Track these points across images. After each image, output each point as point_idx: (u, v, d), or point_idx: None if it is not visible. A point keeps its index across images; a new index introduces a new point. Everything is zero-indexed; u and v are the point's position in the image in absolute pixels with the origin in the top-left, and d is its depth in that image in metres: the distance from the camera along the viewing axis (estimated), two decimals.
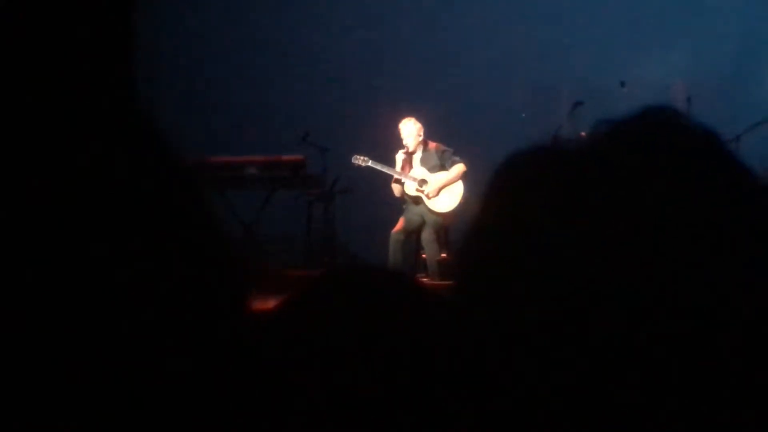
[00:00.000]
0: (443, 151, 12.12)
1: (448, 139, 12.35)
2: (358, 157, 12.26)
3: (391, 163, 12.19)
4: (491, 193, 1.09)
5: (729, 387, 0.98)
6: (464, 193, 11.97)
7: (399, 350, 1.53)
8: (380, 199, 12.49)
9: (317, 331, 1.58)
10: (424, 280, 10.38)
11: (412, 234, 12.02)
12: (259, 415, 1.14)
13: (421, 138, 12.06)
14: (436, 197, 11.98)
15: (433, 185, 11.95)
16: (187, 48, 14.40)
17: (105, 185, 0.94)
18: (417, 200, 12.06)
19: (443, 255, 11.82)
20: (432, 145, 12.15)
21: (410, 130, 12.00)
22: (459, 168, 12.01)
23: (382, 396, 1.49)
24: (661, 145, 1.03)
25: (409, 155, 12.08)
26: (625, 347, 0.97)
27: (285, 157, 12.54)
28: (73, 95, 0.98)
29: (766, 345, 0.98)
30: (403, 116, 12.14)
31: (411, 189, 12.03)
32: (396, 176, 12.08)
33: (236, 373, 1.02)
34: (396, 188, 12.15)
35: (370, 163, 12.20)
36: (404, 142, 12.05)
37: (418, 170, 12.07)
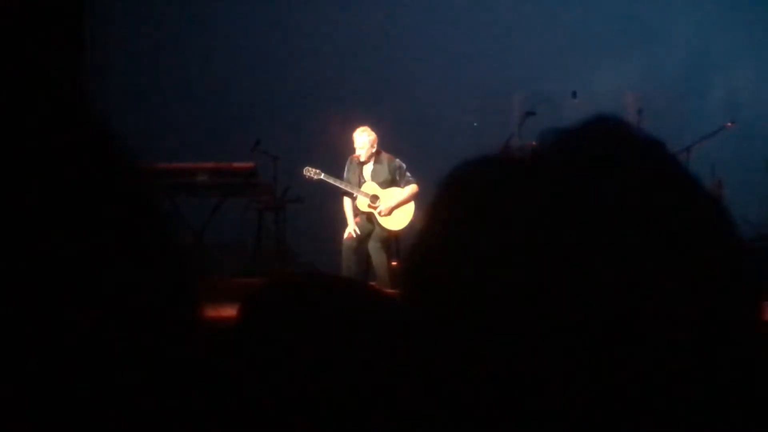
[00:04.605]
0: (398, 167, 12.07)
1: (399, 148, 12.34)
2: (310, 169, 12.14)
3: (343, 170, 12.16)
4: (440, 202, 1.09)
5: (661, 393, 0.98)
6: (415, 211, 11.95)
7: (355, 356, 1.53)
8: (331, 208, 12.46)
9: (273, 340, 1.58)
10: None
11: (365, 241, 11.99)
12: (216, 425, 1.14)
13: (374, 149, 12.01)
14: (388, 216, 11.96)
15: (386, 204, 11.91)
16: (139, 53, 14.33)
17: (54, 189, 0.94)
18: (369, 216, 12.03)
19: (394, 263, 11.82)
20: (385, 156, 12.10)
21: (364, 141, 11.91)
22: (412, 189, 11.97)
23: (338, 401, 1.50)
24: (608, 154, 1.03)
25: (361, 165, 12.04)
26: (570, 353, 0.97)
27: (236, 165, 12.51)
28: (23, 98, 0.97)
29: (715, 349, 0.99)
30: (355, 125, 12.09)
31: (363, 205, 12.00)
32: (348, 191, 12.04)
33: (189, 384, 1.01)
34: (346, 203, 12.10)
35: (322, 176, 12.09)
36: (357, 152, 11.99)
37: (370, 185, 12.02)
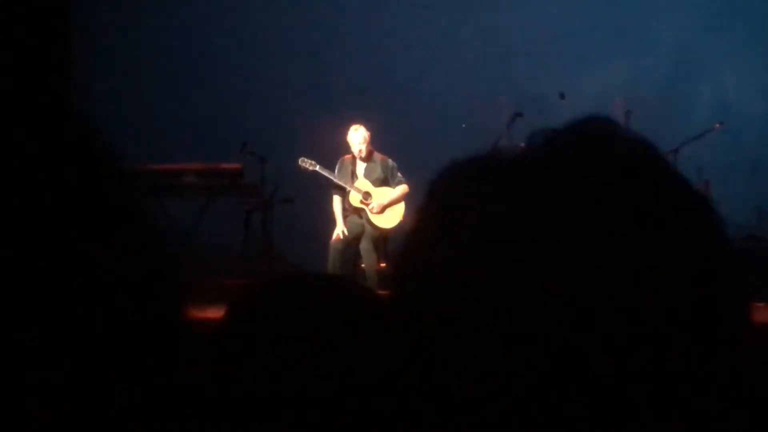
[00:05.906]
0: (391, 167, 12.12)
1: (388, 149, 12.36)
2: (306, 159, 12.15)
3: (333, 170, 12.17)
4: (429, 202, 1.09)
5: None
6: (405, 211, 11.99)
7: (343, 356, 1.53)
8: (319, 208, 12.46)
9: (260, 341, 1.57)
10: None
11: (352, 243, 12.00)
12: (203, 426, 1.13)
13: (368, 146, 12.04)
14: (380, 214, 11.98)
15: (378, 201, 11.94)
16: (124, 53, 14.31)
17: (39, 190, 0.93)
18: (359, 212, 12.04)
19: (382, 264, 11.83)
20: (378, 156, 12.15)
21: (362, 136, 11.95)
22: (403, 189, 12.04)
23: (327, 402, 1.49)
24: (598, 155, 1.03)
25: (354, 164, 12.07)
26: (563, 352, 0.97)
27: (223, 165, 12.54)
28: (7, 99, 0.97)
29: (705, 349, 0.99)
30: (343, 126, 12.11)
31: (355, 200, 12.01)
32: (341, 185, 12.05)
33: (174, 385, 1.01)
34: (336, 202, 12.10)
35: (317, 168, 12.13)
36: (354, 150, 12.00)
37: (363, 182, 12.05)
